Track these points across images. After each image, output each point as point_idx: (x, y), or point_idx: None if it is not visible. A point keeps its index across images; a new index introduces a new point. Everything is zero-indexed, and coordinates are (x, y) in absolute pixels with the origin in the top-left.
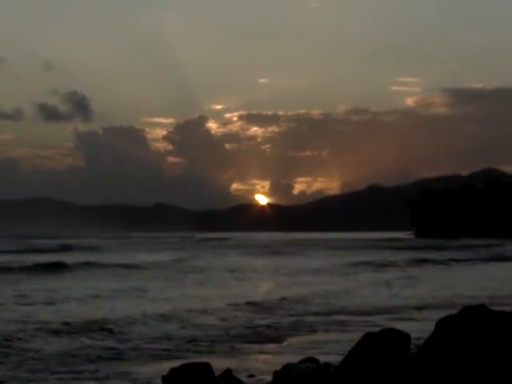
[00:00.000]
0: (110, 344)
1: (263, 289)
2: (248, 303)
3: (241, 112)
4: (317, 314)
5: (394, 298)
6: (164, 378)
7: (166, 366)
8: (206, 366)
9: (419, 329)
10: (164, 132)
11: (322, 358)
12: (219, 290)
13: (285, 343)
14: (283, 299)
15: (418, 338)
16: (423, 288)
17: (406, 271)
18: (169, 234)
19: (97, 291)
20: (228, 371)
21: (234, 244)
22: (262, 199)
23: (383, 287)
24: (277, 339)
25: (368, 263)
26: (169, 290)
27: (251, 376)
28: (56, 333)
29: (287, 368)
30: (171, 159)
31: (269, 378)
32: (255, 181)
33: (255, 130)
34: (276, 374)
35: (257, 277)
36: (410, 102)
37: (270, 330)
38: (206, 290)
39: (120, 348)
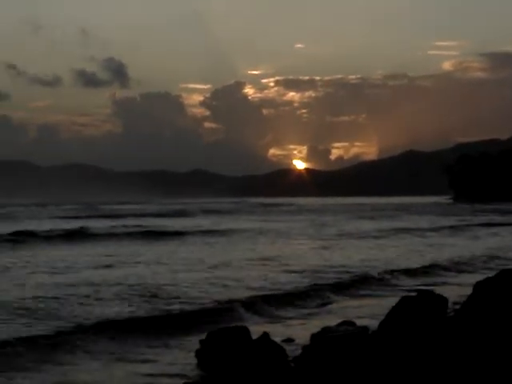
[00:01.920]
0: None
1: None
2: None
3: (277, 77)
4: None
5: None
6: (202, 341)
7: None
8: (243, 330)
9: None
10: (201, 98)
11: (366, 322)
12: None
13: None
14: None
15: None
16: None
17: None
18: (219, 200)
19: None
20: (265, 335)
21: (304, 209)
22: (300, 164)
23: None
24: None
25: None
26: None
27: (289, 340)
28: None
29: (324, 331)
30: (208, 125)
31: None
32: (292, 146)
33: (292, 95)
34: (313, 336)
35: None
36: (447, 66)
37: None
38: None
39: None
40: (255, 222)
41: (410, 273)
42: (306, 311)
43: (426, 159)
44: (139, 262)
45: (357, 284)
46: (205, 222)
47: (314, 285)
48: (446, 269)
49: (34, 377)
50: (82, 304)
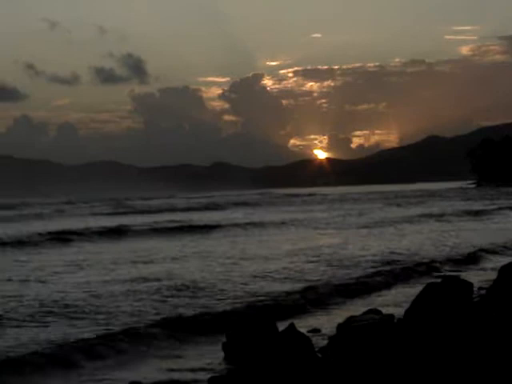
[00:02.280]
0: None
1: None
2: None
3: (296, 68)
4: None
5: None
6: (228, 334)
7: None
8: (269, 322)
9: None
10: (220, 91)
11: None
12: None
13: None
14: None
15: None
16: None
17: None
18: (242, 192)
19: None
20: (291, 326)
21: (331, 199)
22: (321, 154)
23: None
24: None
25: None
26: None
27: (315, 331)
28: None
29: (350, 320)
30: (228, 118)
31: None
32: (313, 136)
33: (311, 85)
34: (339, 326)
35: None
36: (465, 50)
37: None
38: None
39: None
40: (288, 213)
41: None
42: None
43: (447, 145)
44: (188, 257)
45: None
46: (238, 215)
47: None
48: (493, 252)
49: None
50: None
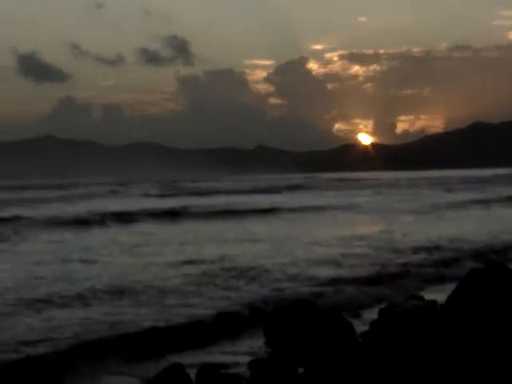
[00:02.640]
0: None
1: None
2: None
3: (341, 51)
4: None
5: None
6: (268, 317)
7: None
8: (311, 304)
9: None
10: (265, 74)
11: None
12: None
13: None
14: None
15: None
16: None
17: None
18: (289, 176)
19: None
20: (333, 310)
21: (381, 184)
22: (366, 139)
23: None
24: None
25: None
26: None
27: (357, 316)
28: None
29: (392, 305)
30: (272, 101)
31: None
32: (358, 120)
33: (356, 69)
34: (381, 311)
35: None
36: None
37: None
38: None
39: None
40: (345, 197)
41: None
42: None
43: (493, 131)
44: (263, 240)
45: None
46: (296, 199)
47: None
48: None
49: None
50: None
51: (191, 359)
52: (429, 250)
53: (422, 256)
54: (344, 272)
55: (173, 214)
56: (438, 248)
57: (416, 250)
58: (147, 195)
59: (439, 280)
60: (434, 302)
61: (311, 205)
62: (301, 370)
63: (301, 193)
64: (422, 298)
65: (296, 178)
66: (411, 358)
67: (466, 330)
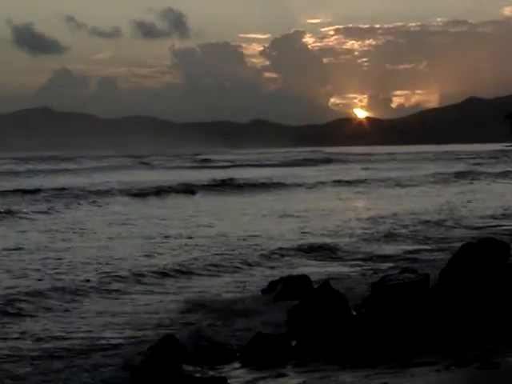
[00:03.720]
0: None
1: None
2: None
3: (337, 26)
4: None
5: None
6: (263, 290)
7: None
8: (305, 278)
9: None
10: (260, 47)
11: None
12: None
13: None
14: None
15: None
16: None
17: None
18: (291, 149)
19: None
20: (326, 283)
21: (388, 158)
22: (361, 113)
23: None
24: None
25: None
26: None
27: (351, 289)
28: None
29: (384, 279)
30: (268, 75)
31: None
32: (353, 95)
33: (352, 43)
34: (373, 285)
35: None
36: (508, 11)
37: None
38: None
39: None
40: (377, 170)
41: None
42: None
43: (487, 106)
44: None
45: None
46: (325, 173)
47: None
48: None
49: None
50: None
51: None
52: None
53: None
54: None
55: (229, 186)
56: None
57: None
58: (179, 167)
59: None
60: (426, 275)
61: (360, 178)
62: (294, 343)
63: (333, 166)
64: (415, 271)
65: (302, 151)
66: (402, 330)
67: (457, 303)
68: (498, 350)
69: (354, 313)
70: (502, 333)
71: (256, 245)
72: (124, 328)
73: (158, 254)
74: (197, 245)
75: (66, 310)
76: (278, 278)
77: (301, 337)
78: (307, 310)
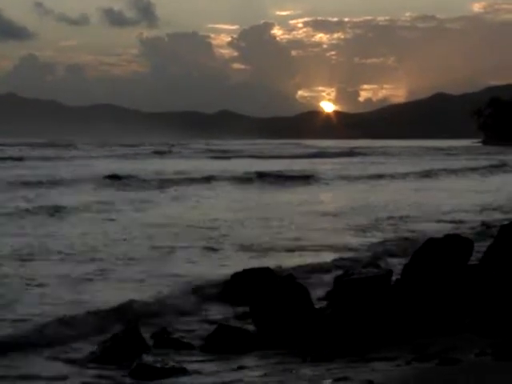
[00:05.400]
0: None
1: None
2: None
3: (306, 18)
4: None
5: None
6: (226, 283)
7: None
8: (268, 271)
9: None
10: (229, 38)
11: None
12: None
13: None
14: None
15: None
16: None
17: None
18: (269, 141)
19: None
20: (290, 276)
21: (387, 152)
22: (328, 106)
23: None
24: None
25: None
26: None
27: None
28: None
29: (347, 273)
30: (236, 66)
31: None
32: (321, 88)
33: (320, 36)
34: (336, 279)
35: None
36: (477, 8)
37: None
38: None
39: None
40: (384, 165)
41: None
42: None
43: (455, 102)
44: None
45: None
46: (328, 166)
47: None
48: None
49: None
50: None
51: None
52: None
53: None
54: None
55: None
56: None
57: None
58: (198, 156)
59: None
60: (389, 270)
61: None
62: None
63: (351, 159)
64: (378, 266)
65: (286, 144)
66: (363, 325)
67: (419, 298)
68: (459, 347)
69: (317, 306)
70: (463, 329)
71: None
72: None
73: None
74: None
75: None
76: (241, 270)
77: (262, 329)
78: (269, 302)
